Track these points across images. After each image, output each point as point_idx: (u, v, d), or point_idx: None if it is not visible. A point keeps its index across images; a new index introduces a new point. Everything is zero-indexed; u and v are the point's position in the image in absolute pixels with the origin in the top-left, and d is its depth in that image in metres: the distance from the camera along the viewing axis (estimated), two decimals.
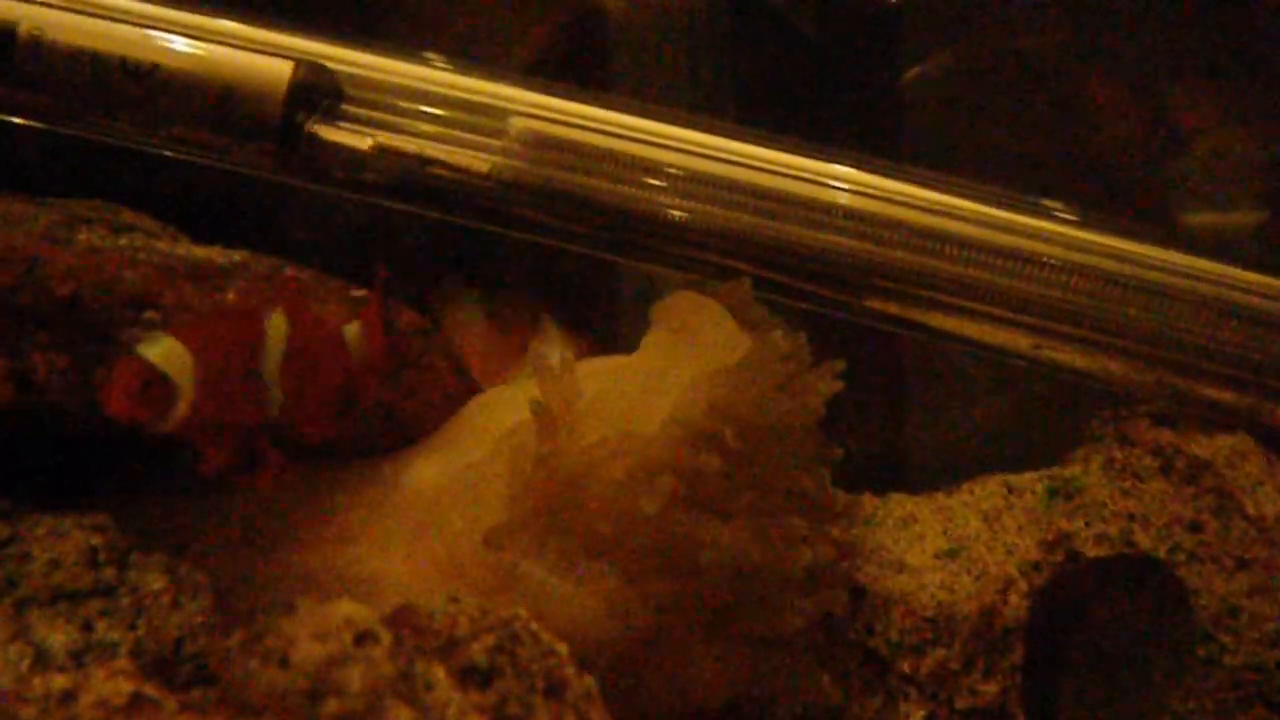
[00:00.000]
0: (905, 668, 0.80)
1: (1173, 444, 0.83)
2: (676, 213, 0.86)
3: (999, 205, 0.87)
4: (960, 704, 0.80)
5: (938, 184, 0.88)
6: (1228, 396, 0.85)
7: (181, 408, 0.65)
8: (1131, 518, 0.82)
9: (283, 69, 0.82)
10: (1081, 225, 0.87)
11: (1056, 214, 0.88)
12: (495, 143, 0.87)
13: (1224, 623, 0.78)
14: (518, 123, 0.86)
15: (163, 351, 0.64)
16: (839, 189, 0.86)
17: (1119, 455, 0.85)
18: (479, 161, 0.86)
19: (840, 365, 0.77)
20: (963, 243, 0.86)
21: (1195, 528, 0.81)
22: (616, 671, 0.67)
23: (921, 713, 0.80)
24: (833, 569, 0.74)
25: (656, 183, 0.86)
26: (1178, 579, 0.80)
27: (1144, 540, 0.81)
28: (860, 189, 0.86)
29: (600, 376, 0.75)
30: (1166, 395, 0.86)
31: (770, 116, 1.18)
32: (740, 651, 0.71)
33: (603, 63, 1.20)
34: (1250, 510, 0.80)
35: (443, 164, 0.85)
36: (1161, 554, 0.80)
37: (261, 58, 0.82)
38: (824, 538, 0.73)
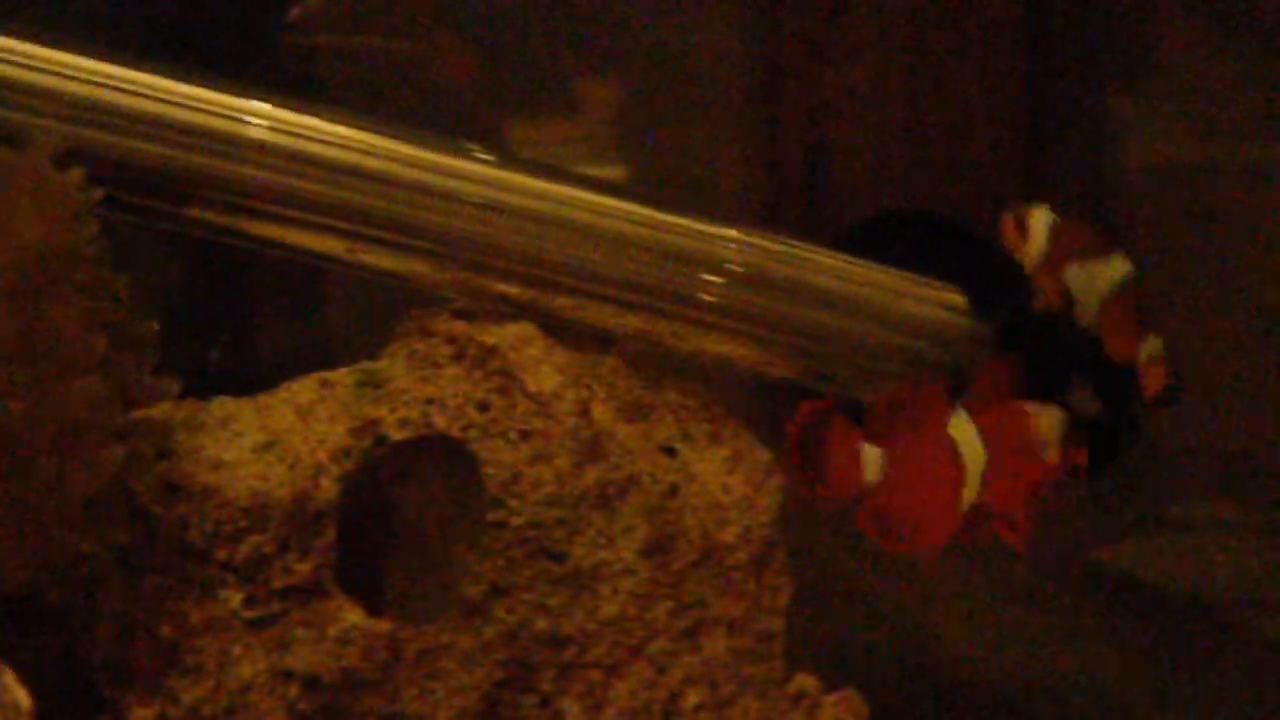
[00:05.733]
0: (222, 556, 0.84)
1: (466, 333, 0.92)
2: None
3: (325, 119, 0.92)
4: (276, 584, 0.85)
5: (263, 97, 0.91)
6: (514, 290, 0.95)
7: None
8: (430, 402, 0.89)
9: None
10: (395, 138, 0.94)
11: (377, 128, 0.94)
12: None
13: (510, 488, 0.88)
14: None
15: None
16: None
17: (420, 347, 0.93)
18: None
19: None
20: (280, 153, 0.90)
21: (484, 407, 0.90)
22: None
23: (240, 596, 0.84)
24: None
25: None
26: (470, 454, 0.88)
27: (441, 421, 0.89)
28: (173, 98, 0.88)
29: None
30: (465, 292, 0.95)
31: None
32: (27, 526, 0.70)
33: None
34: (531, 387, 0.90)
35: None
36: (456, 432, 0.89)
37: None
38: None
